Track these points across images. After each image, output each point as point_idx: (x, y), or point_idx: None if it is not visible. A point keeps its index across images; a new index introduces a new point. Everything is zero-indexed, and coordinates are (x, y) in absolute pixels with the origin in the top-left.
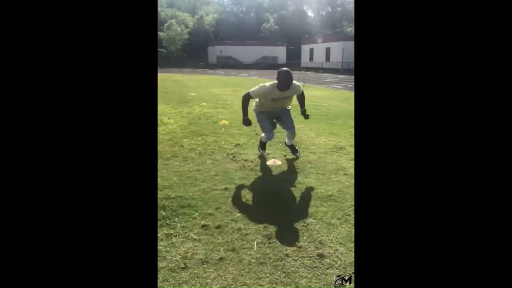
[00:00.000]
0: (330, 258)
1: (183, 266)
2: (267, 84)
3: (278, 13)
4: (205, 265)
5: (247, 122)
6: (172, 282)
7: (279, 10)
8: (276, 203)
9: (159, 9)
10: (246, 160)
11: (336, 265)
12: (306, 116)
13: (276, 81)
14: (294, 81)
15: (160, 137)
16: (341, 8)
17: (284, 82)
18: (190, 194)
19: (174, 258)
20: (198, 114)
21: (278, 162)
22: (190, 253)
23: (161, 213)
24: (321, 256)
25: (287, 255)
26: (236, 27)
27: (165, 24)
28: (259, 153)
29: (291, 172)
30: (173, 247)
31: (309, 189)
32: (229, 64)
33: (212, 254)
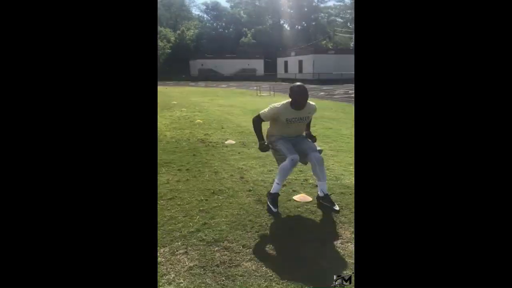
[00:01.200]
0: None
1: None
2: (278, 104)
3: (255, 28)
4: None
5: (263, 147)
6: None
7: (256, 25)
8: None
9: None
10: (211, 142)
11: None
12: (313, 138)
13: (288, 100)
14: (310, 102)
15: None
16: (315, 23)
17: (300, 99)
18: (171, 157)
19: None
20: (178, 116)
21: (308, 198)
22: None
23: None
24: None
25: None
26: (216, 42)
27: None
28: (271, 213)
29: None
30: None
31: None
32: (210, 76)
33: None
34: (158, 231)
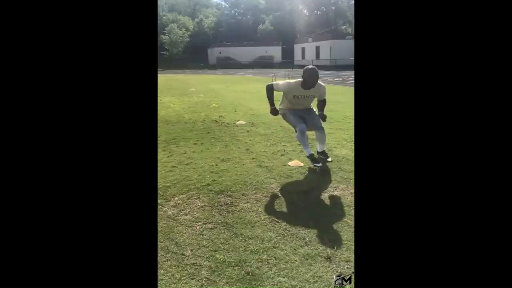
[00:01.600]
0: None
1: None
2: (293, 81)
3: (274, 14)
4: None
5: (274, 111)
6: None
7: (274, 11)
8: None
9: (160, 13)
10: (223, 122)
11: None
12: (324, 117)
13: (300, 79)
14: (320, 82)
15: (168, 113)
16: (335, 7)
17: (309, 80)
18: (188, 134)
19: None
20: (196, 101)
21: (300, 164)
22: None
23: (165, 136)
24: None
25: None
26: (234, 29)
27: (167, 28)
28: (316, 165)
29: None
30: (171, 155)
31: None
32: (229, 64)
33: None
34: (176, 186)
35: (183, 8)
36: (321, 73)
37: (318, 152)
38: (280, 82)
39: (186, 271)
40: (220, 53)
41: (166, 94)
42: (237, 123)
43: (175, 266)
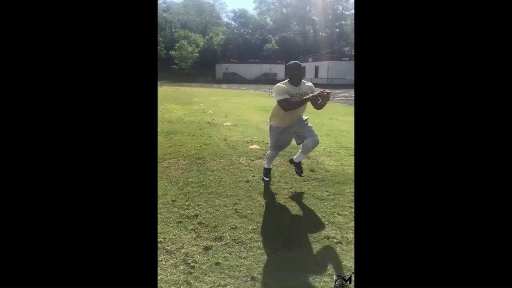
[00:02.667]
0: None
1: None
2: (280, 83)
3: (280, 35)
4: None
5: (313, 98)
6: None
7: (281, 31)
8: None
9: (172, 30)
10: (214, 123)
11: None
12: (319, 103)
13: (286, 79)
14: (305, 81)
15: (171, 116)
16: (339, 30)
17: (294, 73)
18: (185, 129)
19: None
20: (196, 108)
21: (257, 147)
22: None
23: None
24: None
25: None
26: (241, 47)
27: (177, 44)
28: (264, 181)
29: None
30: (169, 140)
31: None
32: (234, 79)
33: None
34: (170, 155)
35: (195, 25)
36: (320, 90)
37: (294, 162)
38: (274, 93)
39: (174, 186)
40: (226, 68)
41: (171, 102)
42: (223, 124)
43: (167, 186)
